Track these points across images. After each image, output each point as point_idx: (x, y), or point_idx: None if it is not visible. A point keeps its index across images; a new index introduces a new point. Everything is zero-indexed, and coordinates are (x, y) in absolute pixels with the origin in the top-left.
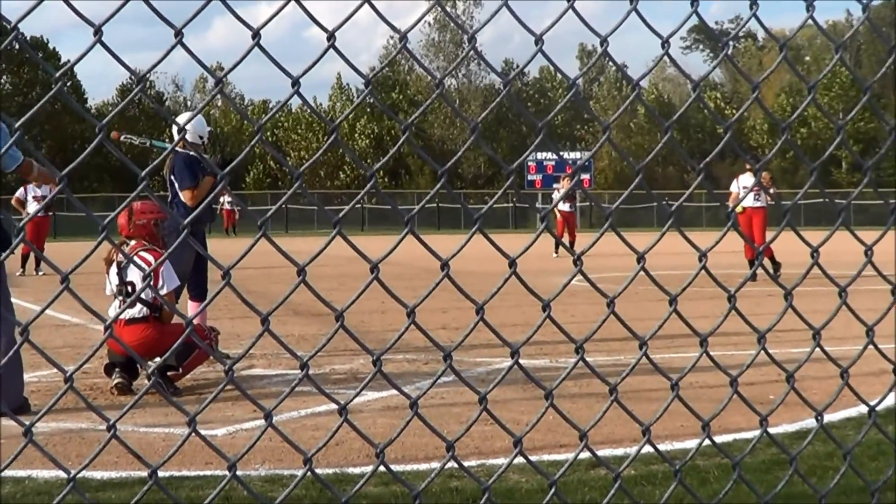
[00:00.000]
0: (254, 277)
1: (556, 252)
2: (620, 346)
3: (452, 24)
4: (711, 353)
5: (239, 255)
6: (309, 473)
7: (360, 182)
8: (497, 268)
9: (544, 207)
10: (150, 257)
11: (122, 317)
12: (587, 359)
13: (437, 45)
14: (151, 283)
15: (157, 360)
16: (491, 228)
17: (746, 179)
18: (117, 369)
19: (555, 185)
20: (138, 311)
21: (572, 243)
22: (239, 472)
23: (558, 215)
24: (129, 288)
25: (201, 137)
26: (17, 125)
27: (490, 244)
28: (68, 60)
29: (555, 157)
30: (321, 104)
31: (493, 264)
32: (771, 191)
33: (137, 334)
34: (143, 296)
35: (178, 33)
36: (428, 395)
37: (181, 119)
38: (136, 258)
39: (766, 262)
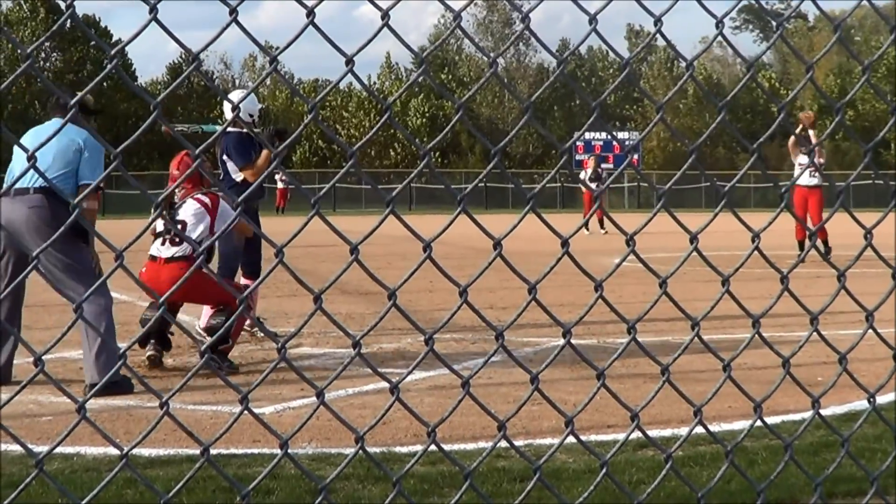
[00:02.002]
0: (301, 256)
1: (603, 228)
2: (668, 326)
3: (500, 5)
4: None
5: (291, 233)
6: (357, 452)
7: (410, 161)
8: (544, 247)
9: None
10: (206, 200)
11: (163, 255)
12: (638, 339)
13: (486, 25)
14: (207, 225)
15: (204, 335)
16: (539, 208)
17: (800, 158)
18: (152, 341)
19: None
20: (183, 249)
21: (597, 220)
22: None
23: (584, 192)
24: (179, 227)
25: (251, 115)
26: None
27: (543, 223)
28: (120, 39)
29: (602, 136)
30: (374, 83)
31: (539, 244)
32: (821, 161)
33: (177, 272)
34: (191, 237)
35: (233, 11)
36: (475, 375)
37: (233, 97)
38: (191, 199)
39: (818, 243)
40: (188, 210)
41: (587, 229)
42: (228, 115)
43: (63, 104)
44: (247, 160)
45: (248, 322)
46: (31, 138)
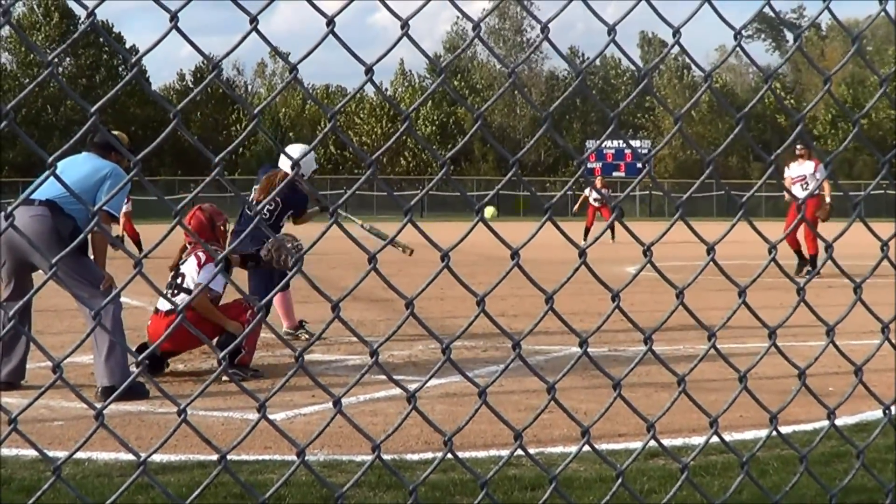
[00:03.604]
0: (312, 262)
1: (613, 237)
2: (681, 335)
3: (511, 12)
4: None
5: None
6: (369, 459)
7: (421, 168)
8: (554, 255)
9: (615, 196)
10: (202, 256)
11: (163, 309)
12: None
13: (498, 33)
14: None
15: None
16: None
17: (794, 169)
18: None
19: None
20: (181, 301)
21: (589, 230)
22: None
23: (590, 205)
24: (180, 279)
25: (303, 175)
26: (92, 109)
27: (560, 234)
28: (134, 45)
29: (614, 145)
30: (386, 90)
31: (550, 251)
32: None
33: (172, 321)
34: (189, 288)
35: (254, 20)
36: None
37: (293, 151)
38: (194, 255)
39: (807, 255)
40: (189, 264)
41: (612, 238)
42: (285, 166)
43: (98, 143)
44: (303, 210)
45: (289, 326)
46: (62, 166)
